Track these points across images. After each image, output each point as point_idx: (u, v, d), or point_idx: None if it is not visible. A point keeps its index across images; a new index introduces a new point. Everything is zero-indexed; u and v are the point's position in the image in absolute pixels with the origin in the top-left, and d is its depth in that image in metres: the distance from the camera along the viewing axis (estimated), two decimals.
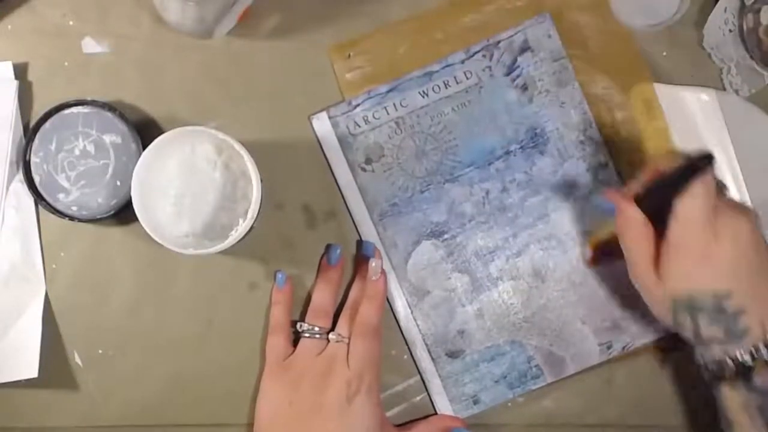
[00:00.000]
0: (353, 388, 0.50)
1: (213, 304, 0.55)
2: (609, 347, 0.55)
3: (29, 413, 0.55)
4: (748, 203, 0.55)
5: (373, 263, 0.54)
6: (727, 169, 0.55)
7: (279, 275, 0.55)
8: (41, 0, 0.56)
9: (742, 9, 0.55)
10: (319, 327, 0.53)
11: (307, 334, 0.53)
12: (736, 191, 0.55)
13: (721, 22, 0.55)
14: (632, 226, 0.47)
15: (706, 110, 0.55)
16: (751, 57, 0.55)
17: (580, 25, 0.55)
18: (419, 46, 0.55)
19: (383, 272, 0.54)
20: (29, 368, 0.54)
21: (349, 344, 0.52)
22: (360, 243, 0.55)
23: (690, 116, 0.55)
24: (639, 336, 0.55)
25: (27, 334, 0.54)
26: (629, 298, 0.54)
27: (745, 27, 0.55)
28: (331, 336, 0.52)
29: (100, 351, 0.55)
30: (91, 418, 0.55)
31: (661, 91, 0.56)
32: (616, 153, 0.55)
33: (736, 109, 0.55)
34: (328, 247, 0.55)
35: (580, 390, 0.56)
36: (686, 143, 0.55)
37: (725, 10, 0.55)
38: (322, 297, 0.54)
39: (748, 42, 0.55)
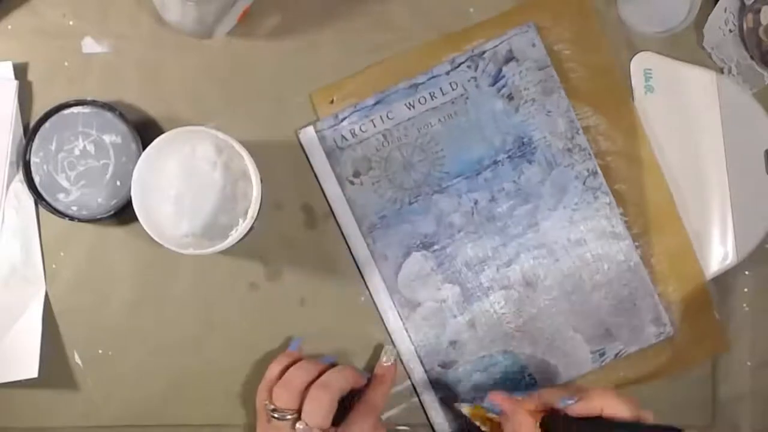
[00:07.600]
0: None
1: (213, 304, 0.55)
2: (602, 354, 0.55)
3: (29, 413, 0.55)
4: (727, 189, 0.55)
5: (387, 349, 0.54)
6: (710, 151, 0.55)
7: (294, 341, 0.54)
8: (41, 0, 0.56)
9: (742, 9, 0.55)
10: (291, 411, 0.49)
11: (276, 415, 0.49)
12: (717, 176, 0.55)
13: (721, 22, 0.55)
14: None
15: (703, 89, 0.56)
16: (751, 57, 0.55)
17: (561, 58, 0.55)
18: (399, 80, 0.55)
19: (395, 361, 0.54)
20: (29, 368, 0.54)
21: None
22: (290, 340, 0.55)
23: (685, 92, 0.56)
24: (631, 343, 0.55)
25: (27, 334, 0.54)
26: (621, 305, 0.54)
27: (745, 27, 0.55)
28: (298, 426, 0.48)
29: (100, 351, 0.55)
30: (91, 418, 0.56)
31: (661, 64, 0.56)
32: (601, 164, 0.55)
33: (733, 96, 0.56)
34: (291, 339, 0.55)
35: None
36: (677, 120, 0.56)
37: (725, 10, 0.55)
38: (298, 375, 0.51)
39: (748, 42, 0.55)
